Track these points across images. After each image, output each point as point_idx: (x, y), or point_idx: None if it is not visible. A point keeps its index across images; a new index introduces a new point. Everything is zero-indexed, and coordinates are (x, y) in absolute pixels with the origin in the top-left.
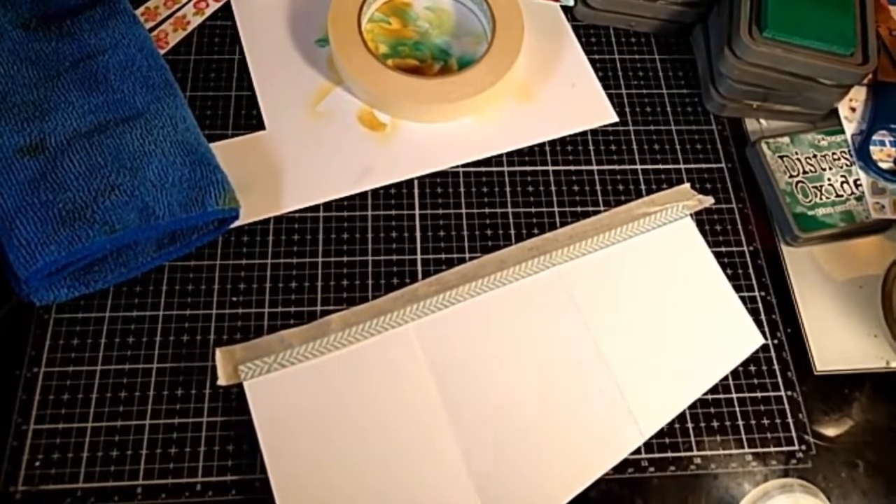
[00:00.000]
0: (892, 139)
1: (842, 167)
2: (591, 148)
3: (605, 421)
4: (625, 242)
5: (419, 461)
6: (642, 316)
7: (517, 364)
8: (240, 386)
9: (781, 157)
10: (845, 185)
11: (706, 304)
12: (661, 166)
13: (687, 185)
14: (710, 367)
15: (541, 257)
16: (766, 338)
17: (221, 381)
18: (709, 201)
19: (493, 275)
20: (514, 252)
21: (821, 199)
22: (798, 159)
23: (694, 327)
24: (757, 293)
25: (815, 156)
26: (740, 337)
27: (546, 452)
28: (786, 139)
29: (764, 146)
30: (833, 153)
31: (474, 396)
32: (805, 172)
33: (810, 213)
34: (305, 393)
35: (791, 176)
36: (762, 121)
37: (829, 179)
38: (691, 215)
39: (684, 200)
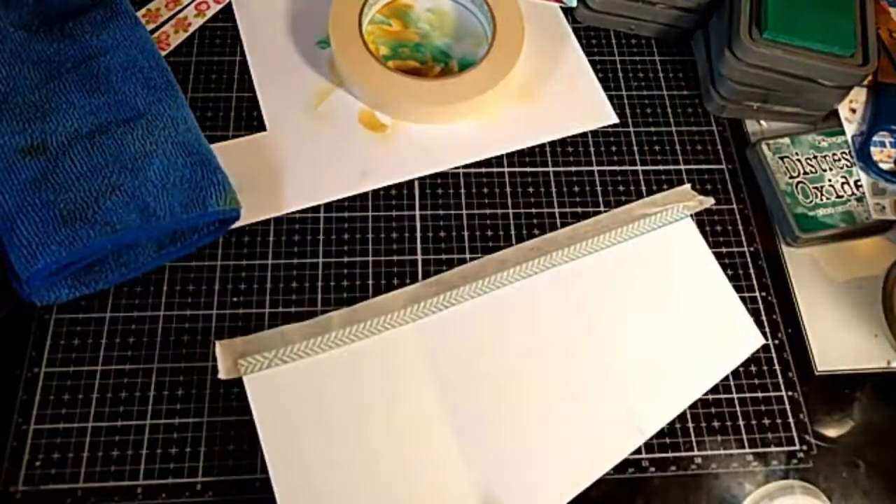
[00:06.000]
0: (892, 140)
1: (842, 168)
2: (592, 149)
3: (605, 421)
4: (625, 243)
5: (419, 460)
6: (643, 316)
7: (517, 364)
8: (240, 385)
9: (782, 158)
10: (846, 186)
11: (707, 304)
12: (661, 167)
13: (687, 186)
14: (710, 367)
15: (541, 258)
16: (766, 338)
17: (221, 375)
18: (709, 202)
19: (494, 276)
20: (515, 253)
21: (821, 199)
22: (798, 160)
23: (695, 327)
24: (758, 293)
25: (815, 157)
26: (741, 337)
27: (546, 452)
28: (786, 140)
29: (764, 147)
30: (833, 154)
31: (475, 396)
32: (805, 173)
33: (811, 213)
34: (306, 389)
35: (791, 177)
36: (762, 122)
37: (829, 180)
38: (692, 216)
39: (685, 201)
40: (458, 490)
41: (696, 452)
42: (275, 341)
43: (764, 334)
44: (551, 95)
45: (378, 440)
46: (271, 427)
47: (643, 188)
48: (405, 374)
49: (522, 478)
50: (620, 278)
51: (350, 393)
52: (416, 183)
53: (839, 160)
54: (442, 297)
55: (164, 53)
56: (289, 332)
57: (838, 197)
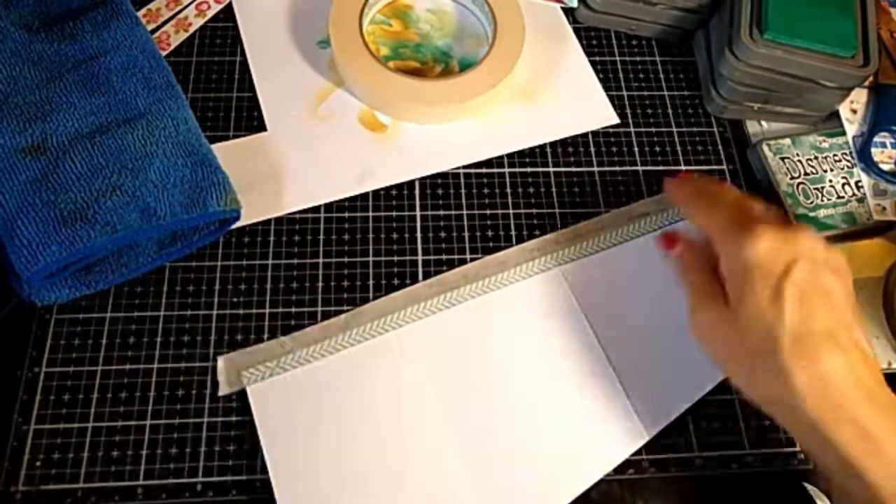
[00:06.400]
0: (893, 141)
1: (843, 169)
2: (592, 149)
3: (606, 421)
4: (627, 243)
5: (420, 462)
6: (644, 316)
7: (518, 365)
8: (242, 388)
9: (783, 159)
10: (846, 187)
11: None
12: (661, 168)
13: None
14: (713, 367)
15: (542, 258)
16: None
17: (224, 390)
18: None
19: (495, 276)
20: (516, 253)
21: (822, 200)
22: (799, 161)
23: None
24: None
25: (816, 157)
26: None
27: (547, 453)
28: (787, 141)
29: (765, 148)
30: (834, 155)
31: (475, 397)
32: (806, 174)
33: (812, 214)
34: (307, 395)
35: (792, 177)
36: (763, 122)
37: (830, 181)
38: None
39: None
40: (459, 490)
41: (696, 453)
42: (275, 350)
43: None
44: (552, 96)
45: (378, 442)
46: (273, 434)
47: (643, 188)
48: (406, 375)
49: (524, 478)
50: (622, 278)
51: (351, 396)
52: (416, 183)
53: (840, 161)
54: (442, 298)
55: (164, 53)
56: (289, 340)
57: (839, 198)
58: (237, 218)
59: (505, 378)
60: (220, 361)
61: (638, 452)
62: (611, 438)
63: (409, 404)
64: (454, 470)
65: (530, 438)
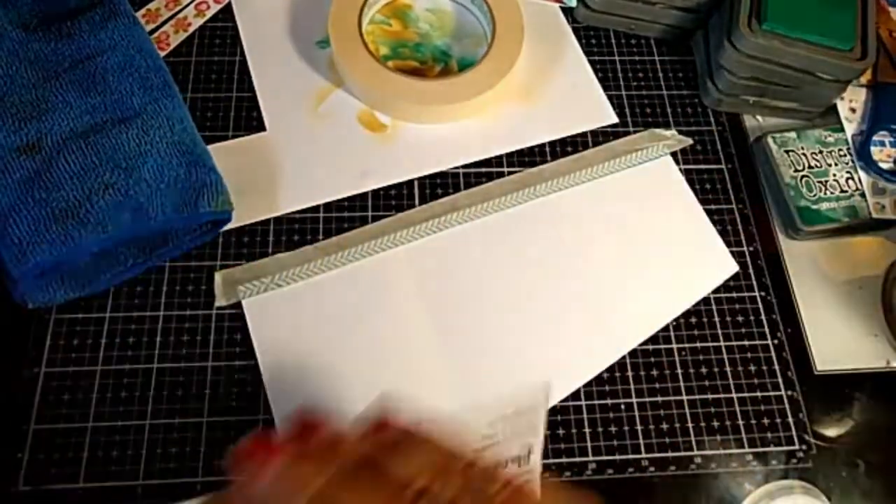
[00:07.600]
0: (892, 140)
1: (847, 163)
2: (591, 148)
3: (582, 338)
4: (608, 177)
5: (405, 370)
6: (623, 244)
7: (502, 286)
8: (241, 385)
9: (787, 152)
10: (850, 182)
11: (683, 232)
12: None
13: (657, 130)
14: (685, 292)
15: (524, 189)
16: (766, 338)
17: (220, 302)
18: (687, 142)
19: (482, 204)
20: (502, 184)
21: (825, 193)
22: (804, 154)
23: (672, 254)
24: (757, 293)
25: (821, 151)
26: (715, 264)
27: (524, 367)
28: (792, 134)
29: (770, 140)
30: (839, 149)
31: (460, 316)
32: (810, 167)
33: (814, 206)
34: (300, 311)
35: (796, 170)
36: (759, 118)
37: (834, 175)
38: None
39: (660, 140)
40: (441, 400)
41: (695, 452)
42: (270, 267)
43: (764, 334)
44: (551, 95)
45: (369, 356)
46: (268, 349)
47: None
48: (395, 294)
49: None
50: (603, 208)
51: (342, 312)
52: (416, 183)
53: (844, 155)
54: (432, 223)
55: (163, 53)
56: (284, 258)
57: (842, 192)
58: (228, 220)
59: (488, 298)
60: (217, 276)
61: (637, 451)
62: (587, 355)
63: (397, 322)
64: (438, 380)
65: (506, 352)
